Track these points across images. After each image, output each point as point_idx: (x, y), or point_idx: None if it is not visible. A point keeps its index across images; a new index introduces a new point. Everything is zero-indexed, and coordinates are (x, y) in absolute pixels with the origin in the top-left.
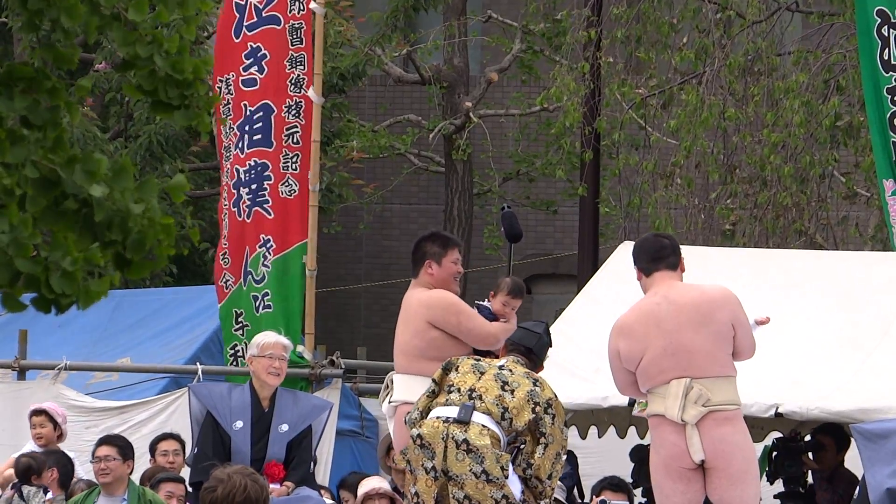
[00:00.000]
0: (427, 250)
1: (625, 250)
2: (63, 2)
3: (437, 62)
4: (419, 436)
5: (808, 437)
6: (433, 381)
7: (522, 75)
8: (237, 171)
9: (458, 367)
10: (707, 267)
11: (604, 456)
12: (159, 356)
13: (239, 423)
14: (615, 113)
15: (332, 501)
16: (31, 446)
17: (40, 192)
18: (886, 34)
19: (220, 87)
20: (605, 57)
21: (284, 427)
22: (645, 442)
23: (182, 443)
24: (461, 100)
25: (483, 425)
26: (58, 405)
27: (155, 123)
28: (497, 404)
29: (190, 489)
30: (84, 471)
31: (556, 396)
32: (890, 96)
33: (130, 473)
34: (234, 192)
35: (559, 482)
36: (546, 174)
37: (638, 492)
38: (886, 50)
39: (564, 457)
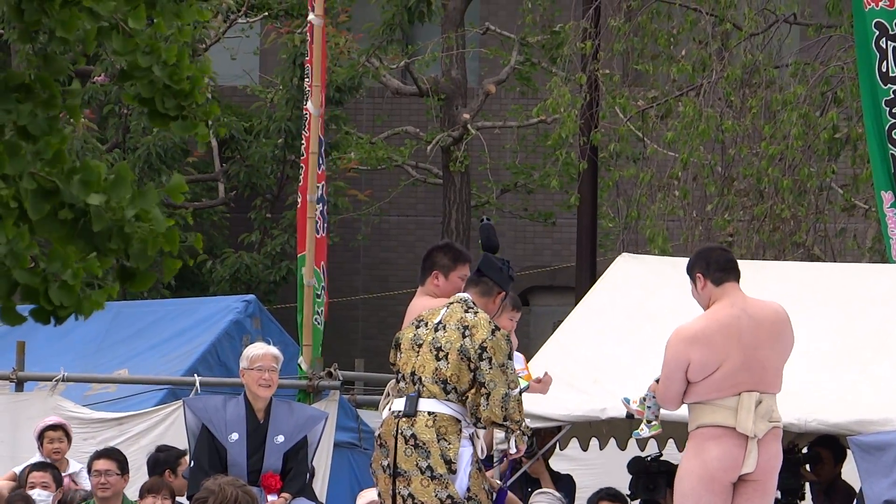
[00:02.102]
0: (436, 261)
1: (623, 262)
2: (60, 14)
3: (434, 74)
4: (378, 435)
5: (805, 449)
6: (391, 363)
7: (520, 87)
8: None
9: (401, 343)
10: None
11: (605, 468)
12: (157, 367)
13: (234, 436)
14: (613, 125)
15: None
16: (38, 459)
17: (38, 202)
18: (885, 46)
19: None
20: (602, 69)
21: (280, 438)
22: (644, 454)
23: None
24: (459, 112)
25: (429, 413)
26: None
27: (153, 135)
28: (436, 381)
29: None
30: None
31: (491, 334)
32: (888, 108)
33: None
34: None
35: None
36: (544, 186)
37: (635, 503)
38: (885, 62)
39: (517, 391)
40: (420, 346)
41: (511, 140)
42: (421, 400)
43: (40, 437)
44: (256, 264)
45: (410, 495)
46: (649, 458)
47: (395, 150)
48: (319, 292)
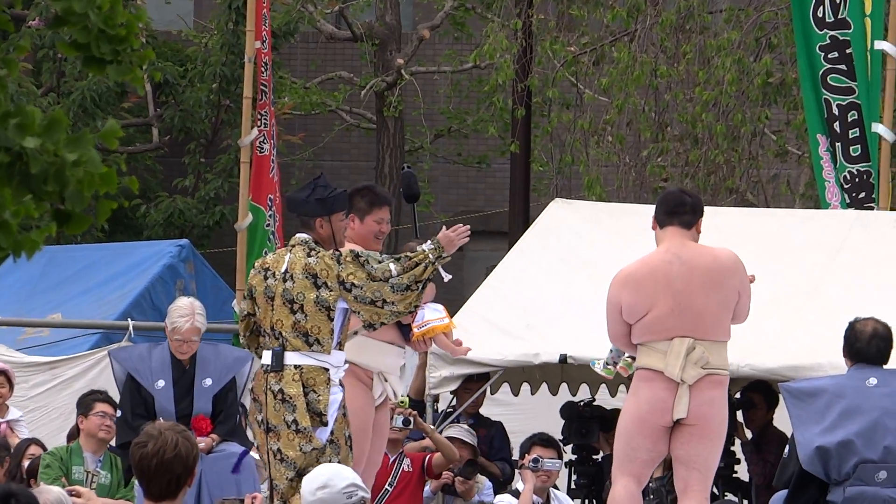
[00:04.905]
0: (353, 204)
1: (556, 207)
2: None
3: (369, 19)
4: (251, 389)
5: (738, 395)
6: (248, 312)
7: (454, 32)
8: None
9: (255, 296)
10: (639, 224)
11: (536, 413)
12: (90, 312)
13: (161, 383)
14: (547, 70)
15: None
16: None
17: None
18: None
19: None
20: (536, 14)
21: (208, 381)
22: (576, 399)
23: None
24: (393, 57)
25: (295, 366)
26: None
27: (87, 79)
28: (297, 335)
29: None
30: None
31: (338, 263)
32: (822, 54)
33: None
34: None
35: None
36: (478, 131)
37: (568, 448)
38: (820, 7)
39: (394, 271)
40: (273, 298)
41: (445, 85)
42: (286, 354)
43: None
44: (190, 209)
45: (279, 450)
46: (582, 403)
47: (328, 95)
48: (271, 237)
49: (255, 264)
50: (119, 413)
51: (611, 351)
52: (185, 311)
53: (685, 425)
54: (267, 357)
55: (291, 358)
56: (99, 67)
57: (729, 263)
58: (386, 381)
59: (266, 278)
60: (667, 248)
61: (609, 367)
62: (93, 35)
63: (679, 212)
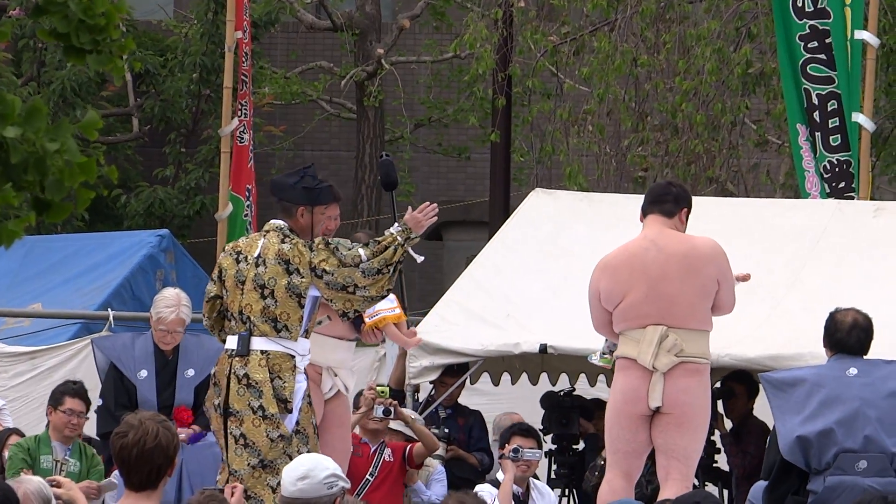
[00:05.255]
0: None
1: (536, 197)
2: None
3: (349, 9)
4: (213, 374)
5: (718, 384)
6: (214, 295)
7: (434, 22)
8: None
9: (225, 280)
10: (619, 213)
11: (516, 403)
12: (71, 302)
13: (143, 373)
14: (528, 60)
15: None
16: None
17: None
18: None
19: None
20: (517, 3)
21: (191, 372)
22: (557, 388)
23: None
24: (373, 46)
25: (262, 352)
26: None
27: (67, 69)
28: (266, 320)
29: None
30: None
31: (311, 251)
32: (802, 43)
33: None
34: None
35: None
36: (458, 121)
37: (548, 438)
38: None
39: (363, 256)
40: (243, 281)
41: (425, 75)
42: (253, 339)
43: None
44: (171, 198)
45: (242, 435)
46: (562, 393)
47: (309, 84)
48: (248, 227)
49: (227, 247)
50: (101, 401)
51: (606, 341)
52: (171, 302)
53: (663, 414)
54: (232, 342)
55: (258, 343)
56: (79, 57)
57: (706, 251)
58: (336, 375)
59: (238, 262)
60: (644, 235)
61: (606, 356)
62: (73, 25)
63: (661, 200)
